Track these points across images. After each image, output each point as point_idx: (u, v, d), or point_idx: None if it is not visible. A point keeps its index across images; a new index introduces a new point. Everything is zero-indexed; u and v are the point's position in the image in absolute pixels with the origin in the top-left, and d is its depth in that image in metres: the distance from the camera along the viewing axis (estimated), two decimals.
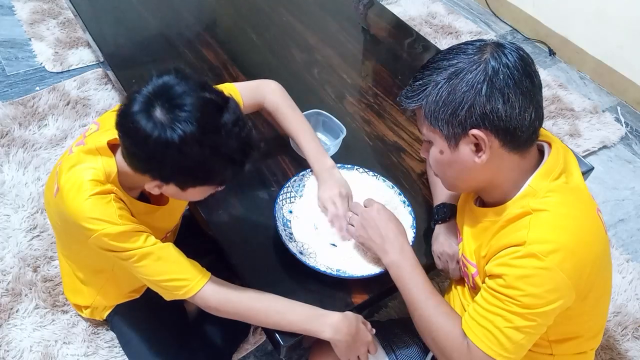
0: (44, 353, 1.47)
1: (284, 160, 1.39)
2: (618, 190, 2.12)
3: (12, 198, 1.82)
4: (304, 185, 1.29)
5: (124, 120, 0.92)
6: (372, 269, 1.14)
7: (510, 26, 2.92)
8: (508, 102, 0.84)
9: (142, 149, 0.92)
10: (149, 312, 1.33)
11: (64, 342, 1.49)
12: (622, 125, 2.39)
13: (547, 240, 0.84)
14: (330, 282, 1.13)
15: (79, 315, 1.49)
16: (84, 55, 2.42)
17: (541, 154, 0.94)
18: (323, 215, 1.23)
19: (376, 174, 1.31)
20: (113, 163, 1.03)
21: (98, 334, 1.51)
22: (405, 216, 1.23)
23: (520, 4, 2.83)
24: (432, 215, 1.20)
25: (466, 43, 0.89)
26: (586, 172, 1.43)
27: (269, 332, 1.09)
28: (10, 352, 1.47)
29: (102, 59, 2.10)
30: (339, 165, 1.30)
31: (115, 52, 1.75)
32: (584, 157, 2.12)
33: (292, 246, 1.15)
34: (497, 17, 2.97)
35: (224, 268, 1.17)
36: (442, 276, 1.61)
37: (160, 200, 1.15)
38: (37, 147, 1.99)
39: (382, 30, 1.99)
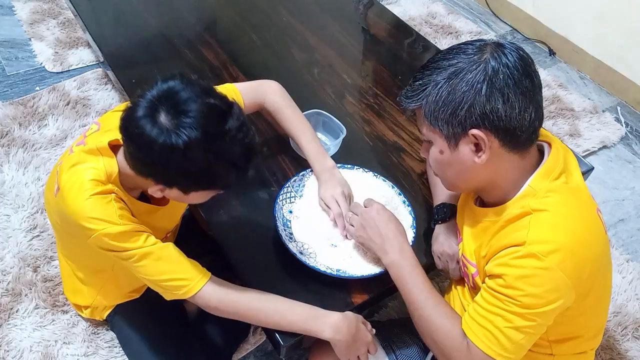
0: (44, 353, 1.47)
1: (284, 160, 1.39)
2: (618, 190, 2.12)
3: (12, 198, 1.82)
4: (304, 185, 1.29)
5: (129, 125, 0.92)
6: (372, 269, 1.14)
7: (510, 26, 2.92)
8: (508, 102, 0.84)
9: (147, 154, 0.92)
10: (149, 312, 1.33)
11: (64, 342, 1.49)
12: (622, 125, 2.39)
13: (547, 240, 0.84)
14: (330, 282, 1.13)
15: (79, 315, 1.49)
16: (84, 55, 2.42)
17: (541, 154, 0.94)
18: (323, 215, 1.23)
19: (376, 174, 1.31)
20: (114, 163, 1.03)
21: (98, 334, 1.51)
22: (405, 216, 1.23)
23: (520, 4, 2.83)
24: (432, 215, 1.20)
25: (466, 43, 0.89)
26: (586, 172, 1.43)
27: (269, 332, 1.09)
28: (10, 352, 1.47)
29: (102, 59, 2.10)
30: (339, 165, 1.30)
31: (115, 52, 1.75)
32: (584, 157, 2.12)
33: (292, 246, 1.15)
34: (497, 17, 2.97)
35: (224, 268, 1.17)
36: (442, 276, 1.61)
37: (160, 200, 1.15)
38: (37, 147, 1.99)
39: (382, 30, 1.99)
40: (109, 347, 1.49)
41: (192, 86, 0.92)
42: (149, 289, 1.11)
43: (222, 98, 0.96)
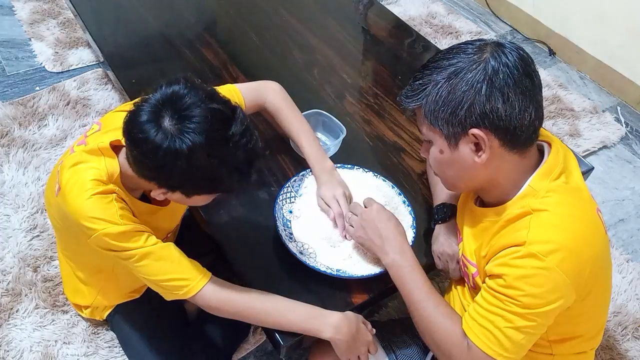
0: (44, 353, 1.47)
1: (284, 160, 1.39)
2: (618, 190, 2.12)
3: (12, 198, 1.82)
4: (304, 186, 1.29)
5: (132, 129, 0.92)
6: (372, 269, 1.14)
7: (510, 26, 2.92)
8: (508, 102, 0.84)
9: (151, 159, 0.92)
10: (149, 312, 1.33)
11: (64, 342, 1.49)
12: (622, 125, 2.39)
13: (547, 240, 0.84)
14: (330, 282, 1.13)
15: (79, 315, 1.49)
16: (84, 55, 2.42)
17: (541, 153, 0.94)
18: (323, 215, 1.23)
19: (376, 174, 1.31)
20: (116, 164, 1.04)
21: (98, 334, 1.51)
22: (405, 216, 1.23)
23: (520, 4, 2.83)
24: (432, 215, 1.20)
25: (466, 43, 0.89)
26: (586, 172, 1.43)
27: (269, 332, 1.09)
28: (10, 352, 1.47)
29: (102, 59, 2.10)
30: (339, 165, 1.30)
31: (115, 52, 1.75)
32: (584, 157, 2.12)
33: (292, 246, 1.15)
34: (497, 17, 2.97)
35: (224, 268, 1.17)
36: (442, 276, 1.61)
37: (162, 201, 1.15)
38: (37, 147, 1.99)
39: (382, 30, 1.99)
40: (109, 347, 1.49)
41: (195, 90, 0.92)
42: (149, 289, 1.11)
43: (226, 102, 0.96)
